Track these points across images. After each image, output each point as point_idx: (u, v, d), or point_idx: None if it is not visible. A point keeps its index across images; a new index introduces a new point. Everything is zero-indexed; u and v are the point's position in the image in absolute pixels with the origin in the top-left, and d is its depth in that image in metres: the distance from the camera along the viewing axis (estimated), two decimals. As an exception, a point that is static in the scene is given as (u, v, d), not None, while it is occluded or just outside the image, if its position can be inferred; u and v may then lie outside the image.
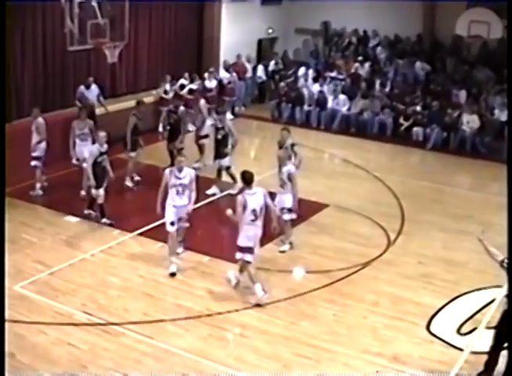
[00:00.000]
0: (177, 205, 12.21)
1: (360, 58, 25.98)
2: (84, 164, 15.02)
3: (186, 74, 22.70)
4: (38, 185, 16.03)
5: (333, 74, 25.40)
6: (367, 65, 25.74)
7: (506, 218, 12.55)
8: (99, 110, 19.44)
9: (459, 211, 16.23)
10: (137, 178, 17.04)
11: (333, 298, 11.80)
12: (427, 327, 10.98)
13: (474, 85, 23.32)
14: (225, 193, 16.25)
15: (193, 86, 22.49)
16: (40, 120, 15.95)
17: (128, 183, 16.74)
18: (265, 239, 13.69)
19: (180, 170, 12.08)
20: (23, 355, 9.62)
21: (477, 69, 24.11)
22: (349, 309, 11.50)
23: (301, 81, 25.25)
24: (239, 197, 11.28)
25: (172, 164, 18.01)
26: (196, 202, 14.25)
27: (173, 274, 12.23)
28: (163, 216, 12.38)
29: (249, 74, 26.20)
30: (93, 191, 14.33)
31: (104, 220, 14.46)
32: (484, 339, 10.08)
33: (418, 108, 22.56)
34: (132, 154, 16.92)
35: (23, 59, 18.57)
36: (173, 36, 24.16)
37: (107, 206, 14.54)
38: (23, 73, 18.66)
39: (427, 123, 22.08)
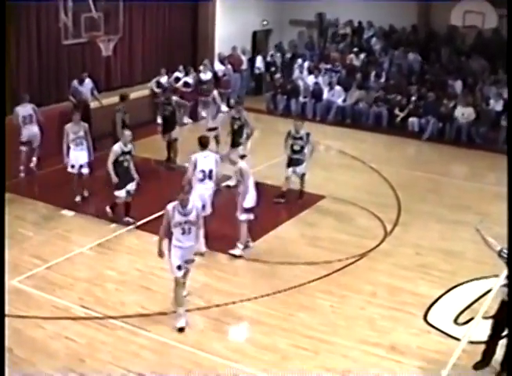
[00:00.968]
0: (183, 246, 10.33)
1: (355, 49, 25.96)
2: (85, 171, 14.94)
3: (181, 67, 22.71)
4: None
5: (328, 66, 25.37)
6: (362, 56, 25.70)
7: (502, 207, 12.55)
8: (93, 104, 19.38)
9: (455, 201, 16.23)
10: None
11: (330, 289, 11.80)
12: (425, 318, 10.99)
13: (469, 75, 23.30)
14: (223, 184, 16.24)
15: (188, 79, 22.48)
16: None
17: None
18: (261, 231, 13.81)
19: (185, 205, 10.15)
20: (21, 349, 9.62)
21: (472, 59, 24.10)
22: (347, 300, 11.51)
23: (296, 73, 25.24)
24: (192, 157, 12.94)
25: (169, 158, 18.12)
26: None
27: (181, 329, 10.34)
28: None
29: (244, 66, 26.18)
30: (115, 192, 13.88)
31: (127, 219, 14.10)
32: (481, 329, 10.07)
33: (413, 99, 22.55)
34: None
35: (18, 54, 18.52)
36: (168, 29, 24.11)
37: (102, 202, 14.51)
38: (18, 67, 18.61)
39: (422, 114, 22.08)
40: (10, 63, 18.18)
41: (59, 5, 17.78)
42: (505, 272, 9.43)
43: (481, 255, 11.94)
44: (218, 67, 24.57)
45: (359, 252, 13.20)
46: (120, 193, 13.87)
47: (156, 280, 11.94)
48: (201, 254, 10.76)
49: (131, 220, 14.10)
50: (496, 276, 10.86)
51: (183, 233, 10.24)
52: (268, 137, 17.07)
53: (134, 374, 9.27)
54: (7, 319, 9.18)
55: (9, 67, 18.16)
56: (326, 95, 23.86)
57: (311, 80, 24.54)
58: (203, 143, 13.16)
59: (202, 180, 12.86)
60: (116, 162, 13.60)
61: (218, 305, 11.08)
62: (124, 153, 13.65)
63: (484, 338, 9.67)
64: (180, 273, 10.38)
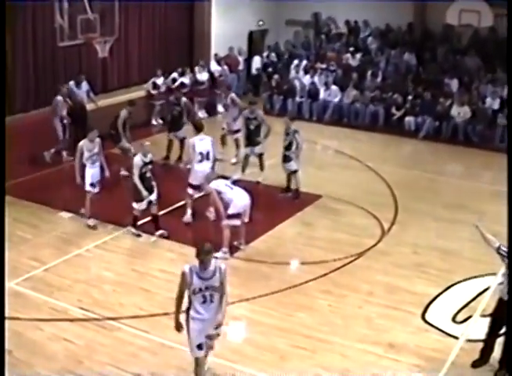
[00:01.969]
0: (204, 319, 8.42)
1: (351, 49, 25.97)
2: (95, 189, 14.25)
3: (180, 69, 22.78)
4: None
5: (324, 66, 25.38)
6: (358, 56, 25.72)
7: (499, 206, 12.61)
8: (89, 106, 19.36)
9: (452, 200, 16.25)
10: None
11: (328, 288, 11.81)
12: (423, 316, 11.00)
13: (465, 74, 23.32)
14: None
15: (185, 80, 22.52)
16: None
17: (124, 172, 16.67)
18: (259, 231, 13.83)
19: (205, 268, 8.23)
20: (20, 351, 9.63)
21: (468, 57, 24.11)
22: (344, 299, 11.52)
23: (293, 73, 25.25)
24: (190, 141, 14.01)
25: (168, 157, 18.16)
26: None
27: None
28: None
29: (241, 67, 26.20)
30: (135, 204, 13.48)
31: (160, 232, 13.68)
32: (479, 327, 10.11)
33: (410, 98, 22.57)
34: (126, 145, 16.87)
35: (14, 56, 18.53)
36: (164, 30, 24.13)
37: (100, 202, 14.49)
38: (14, 69, 18.62)
39: (419, 112, 22.10)
40: (6, 65, 18.18)
41: (55, 7, 17.80)
42: (502, 269, 9.46)
43: (478, 254, 11.98)
44: (215, 68, 24.61)
45: (357, 251, 13.22)
46: (141, 206, 13.48)
47: (154, 282, 11.95)
48: (219, 326, 8.63)
49: (165, 233, 13.71)
50: (493, 274, 10.93)
51: (204, 301, 8.34)
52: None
53: (132, 374, 9.28)
54: (6, 322, 9.19)
55: (6, 69, 18.17)
56: (322, 94, 23.87)
57: (307, 80, 24.55)
58: (197, 127, 14.37)
59: (200, 161, 13.95)
60: (141, 175, 13.29)
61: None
62: (145, 164, 13.34)
63: (483, 336, 9.68)
64: (201, 353, 8.59)
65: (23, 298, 11.22)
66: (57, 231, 13.95)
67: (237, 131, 18.27)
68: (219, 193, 12.64)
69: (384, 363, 9.73)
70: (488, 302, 10.83)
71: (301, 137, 15.68)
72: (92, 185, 14.13)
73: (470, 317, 10.88)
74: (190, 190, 14.30)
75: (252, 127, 16.89)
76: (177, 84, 22.35)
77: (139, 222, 13.78)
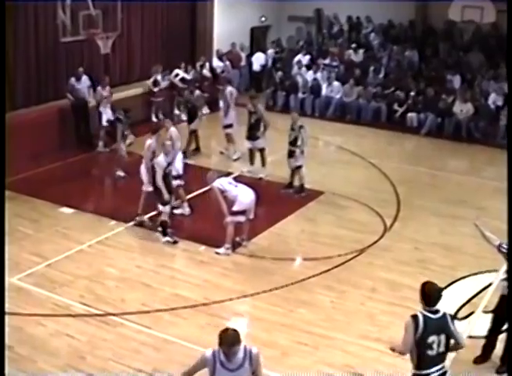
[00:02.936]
0: None
1: (353, 45, 25.95)
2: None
3: (182, 64, 22.76)
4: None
5: (327, 62, 25.36)
6: (361, 52, 25.70)
7: (501, 202, 12.60)
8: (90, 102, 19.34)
9: (454, 196, 16.23)
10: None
11: (330, 284, 11.81)
12: (425, 312, 11.00)
13: (468, 71, 23.30)
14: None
15: (186, 75, 22.51)
16: None
17: (120, 173, 16.67)
18: (261, 227, 13.83)
19: (229, 359, 6.67)
20: (22, 347, 9.63)
21: (471, 54, 24.08)
22: (347, 295, 11.52)
23: (295, 69, 25.22)
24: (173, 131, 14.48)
25: (198, 148, 18.42)
26: (193, 190, 14.40)
27: None
28: None
29: (243, 63, 26.18)
30: (161, 207, 13.16)
31: (167, 238, 13.36)
32: (481, 323, 10.10)
33: (412, 94, 22.55)
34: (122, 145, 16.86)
35: (16, 51, 18.48)
36: (166, 26, 24.09)
37: (102, 198, 14.52)
38: (16, 65, 18.57)
39: (421, 109, 22.07)
40: (8, 61, 18.18)
41: (57, 3, 17.79)
42: (504, 266, 9.45)
43: (481, 250, 11.95)
44: (217, 64, 24.59)
45: (359, 247, 13.22)
46: (167, 209, 13.23)
47: (156, 277, 11.97)
48: None
49: (171, 240, 13.39)
50: (496, 270, 10.91)
51: None
52: (267, 133, 17.06)
53: (135, 370, 9.29)
54: (7, 317, 9.21)
55: (7, 65, 18.16)
56: (324, 90, 23.86)
57: (309, 76, 24.53)
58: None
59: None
60: (164, 175, 13.06)
61: (217, 302, 11.09)
62: (169, 164, 13.18)
63: (485, 332, 9.69)
64: None
65: (25, 293, 11.23)
66: (59, 226, 13.94)
67: (228, 126, 18.34)
68: (223, 191, 12.64)
69: (386, 359, 9.70)
70: (490, 299, 10.81)
71: (306, 133, 15.68)
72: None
73: (472, 313, 10.88)
74: (178, 181, 14.34)
75: (252, 120, 17.01)
76: (177, 79, 22.33)
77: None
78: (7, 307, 9.58)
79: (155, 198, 13.32)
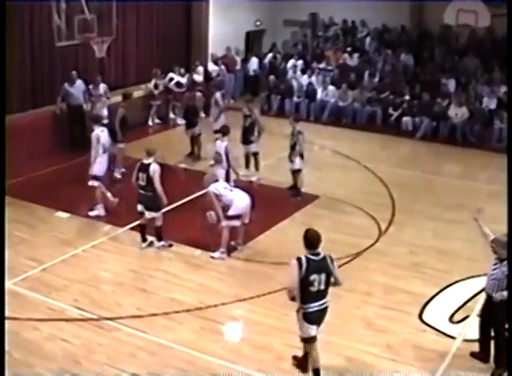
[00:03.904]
0: None
1: (349, 49, 25.99)
2: None
3: (177, 68, 22.73)
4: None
5: (322, 66, 25.41)
6: (356, 56, 25.75)
7: (496, 205, 12.61)
8: (85, 107, 19.32)
9: (449, 200, 16.26)
10: (123, 170, 16.91)
11: (325, 288, 11.80)
12: (420, 316, 11.03)
13: (463, 74, 23.35)
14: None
15: (181, 79, 22.52)
16: None
17: (117, 175, 16.72)
18: (256, 231, 13.84)
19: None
20: (17, 351, 9.64)
21: (466, 58, 24.14)
22: (341, 299, 11.46)
23: (290, 73, 25.25)
24: (93, 133, 14.38)
25: (192, 152, 18.34)
26: (187, 194, 14.35)
27: None
28: None
29: (238, 67, 26.19)
30: (157, 213, 13.06)
31: (162, 243, 13.34)
32: (476, 327, 10.12)
33: (407, 98, 22.60)
34: (121, 146, 16.87)
35: (11, 55, 18.41)
36: (161, 30, 24.10)
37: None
38: (11, 69, 18.50)
39: (416, 113, 22.11)
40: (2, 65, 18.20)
41: (52, 7, 17.80)
42: (493, 261, 9.52)
43: (476, 254, 12.01)
44: (212, 68, 24.60)
45: (354, 251, 13.23)
46: (159, 214, 13.15)
47: (151, 281, 11.98)
48: None
49: (166, 244, 13.43)
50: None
51: None
52: (262, 138, 17.10)
53: (130, 375, 9.29)
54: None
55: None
56: (319, 94, 23.90)
57: (304, 80, 24.56)
58: (93, 120, 15.26)
59: (104, 152, 14.47)
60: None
61: (212, 306, 11.10)
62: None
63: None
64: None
65: (20, 298, 11.22)
66: (55, 231, 13.94)
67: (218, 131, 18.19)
68: (218, 195, 12.64)
69: (381, 363, 9.75)
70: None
71: (303, 138, 15.76)
72: None
73: (467, 317, 10.90)
74: (95, 183, 14.52)
75: (247, 124, 17.06)
76: (173, 83, 22.36)
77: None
78: (2, 311, 9.60)
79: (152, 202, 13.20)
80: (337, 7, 26.84)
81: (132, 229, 13.95)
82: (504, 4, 20.39)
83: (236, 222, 12.86)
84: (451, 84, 23.01)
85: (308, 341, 9.13)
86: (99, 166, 14.50)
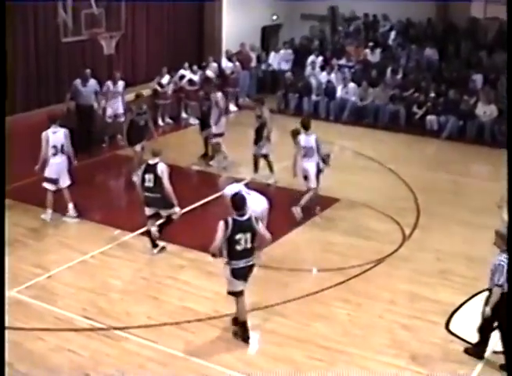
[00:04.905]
0: None
1: (370, 44, 25.93)
2: None
3: (186, 64, 22.67)
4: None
5: (342, 62, 25.35)
6: (378, 51, 25.68)
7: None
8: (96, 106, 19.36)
9: (477, 203, 16.17)
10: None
11: (346, 297, 11.78)
12: (447, 326, 10.97)
13: (491, 71, 23.23)
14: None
15: (194, 77, 22.50)
16: None
17: (135, 178, 16.70)
18: (273, 237, 13.78)
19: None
20: (21, 363, 9.64)
21: (495, 53, 24.02)
22: (364, 308, 11.49)
23: (308, 70, 25.21)
24: (44, 133, 14.34)
25: (206, 154, 18.36)
26: (200, 198, 14.32)
27: None
28: None
29: (253, 64, 26.15)
30: (173, 210, 13.19)
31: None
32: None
33: (432, 95, 22.51)
34: (137, 149, 16.86)
35: (15, 52, 18.54)
36: (172, 25, 24.16)
37: (106, 207, 14.52)
38: (15, 66, 18.62)
39: (441, 111, 22.02)
40: (7, 63, 18.23)
41: (58, 1, 17.84)
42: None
43: (506, 260, 11.89)
44: (226, 65, 24.56)
45: (376, 258, 13.19)
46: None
47: (163, 289, 11.98)
48: None
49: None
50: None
51: None
52: (278, 138, 17.11)
53: (140, 387, 9.31)
54: (6, 332, 9.21)
55: (6, 67, 18.23)
56: (339, 92, 23.84)
57: (323, 77, 24.51)
58: (51, 119, 14.71)
59: (55, 154, 14.42)
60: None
61: (228, 315, 11.06)
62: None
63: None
64: None
65: (24, 306, 11.25)
66: (60, 236, 13.99)
67: (218, 135, 18.09)
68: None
69: (406, 375, 9.70)
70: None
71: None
72: None
73: (496, 327, 10.82)
74: (47, 185, 14.59)
75: (258, 125, 17.00)
76: (185, 81, 22.37)
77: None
78: (6, 321, 9.58)
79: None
80: (358, 0, 26.78)
81: (142, 234, 13.94)
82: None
83: None
84: (478, 81, 22.90)
85: (236, 294, 10.35)
86: (50, 168, 14.52)
